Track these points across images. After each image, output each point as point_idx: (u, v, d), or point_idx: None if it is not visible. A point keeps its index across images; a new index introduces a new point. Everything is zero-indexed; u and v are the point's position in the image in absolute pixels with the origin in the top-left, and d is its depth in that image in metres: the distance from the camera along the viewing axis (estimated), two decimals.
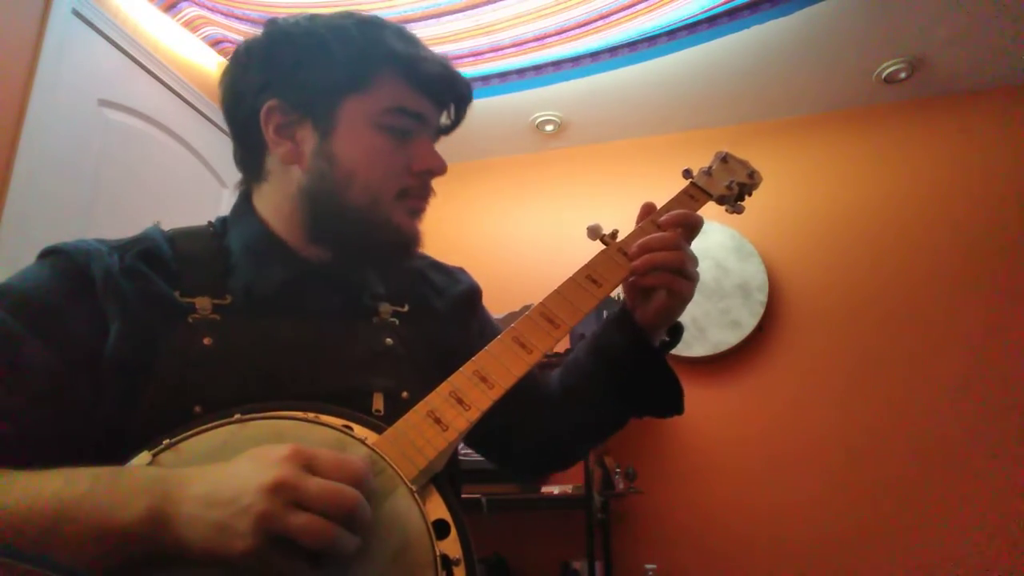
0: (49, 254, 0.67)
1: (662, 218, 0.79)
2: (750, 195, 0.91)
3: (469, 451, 2.54)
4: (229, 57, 0.78)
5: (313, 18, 0.74)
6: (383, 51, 0.72)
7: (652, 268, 0.74)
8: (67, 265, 0.65)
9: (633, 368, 0.78)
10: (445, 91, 0.76)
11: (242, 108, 0.73)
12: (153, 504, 0.48)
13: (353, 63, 0.71)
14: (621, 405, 0.82)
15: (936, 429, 2.29)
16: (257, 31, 0.75)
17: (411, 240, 0.75)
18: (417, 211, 0.76)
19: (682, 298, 0.75)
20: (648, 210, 0.82)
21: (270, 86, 0.71)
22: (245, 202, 0.76)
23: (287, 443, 0.50)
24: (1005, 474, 2.19)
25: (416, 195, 0.75)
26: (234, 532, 0.46)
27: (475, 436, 0.74)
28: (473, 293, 0.87)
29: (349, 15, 0.74)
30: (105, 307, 0.63)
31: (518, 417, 0.67)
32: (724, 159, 0.91)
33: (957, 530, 2.18)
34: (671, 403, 0.81)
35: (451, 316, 0.82)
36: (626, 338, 0.78)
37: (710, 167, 0.90)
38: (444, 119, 0.79)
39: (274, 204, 0.74)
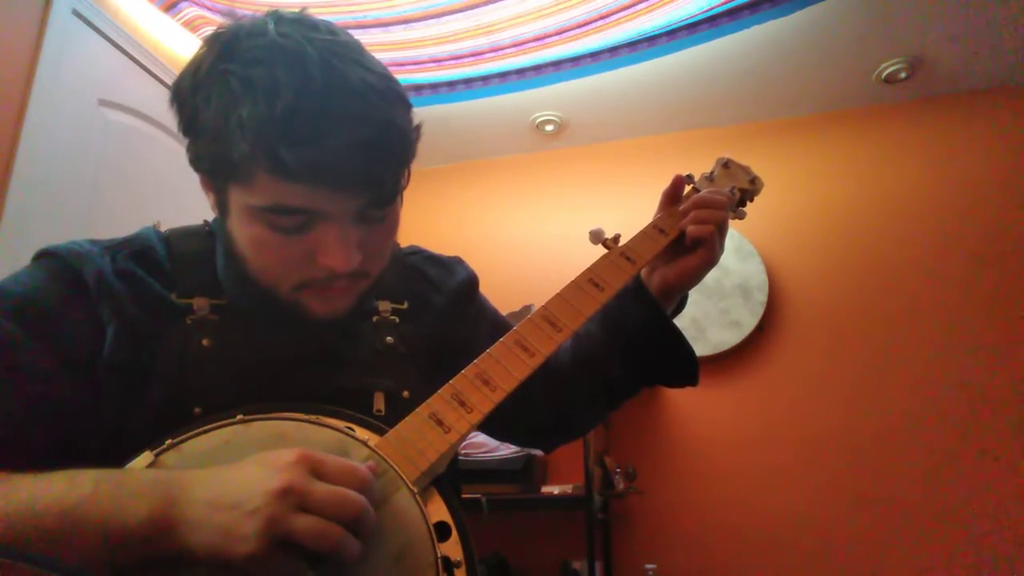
0: (42, 256, 0.66)
1: (691, 199, 0.81)
2: (751, 201, 0.92)
3: (468, 451, 2.51)
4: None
5: (230, 44, 0.58)
6: (250, 135, 0.55)
7: (704, 220, 0.77)
8: (61, 268, 0.64)
9: (648, 339, 0.79)
10: (341, 177, 0.57)
11: None
12: (156, 507, 0.48)
13: (222, 144, 0.57)
14: (634, 376, 0.82)
15: (937, 429, 2.29)
16: None
17: (325, 321, 0.64)
18: (331, 298, 0.64)
19: (712, 260, 0.78)
20: (679, 181, 0.85)
21: (185, 130, 0.63)
22: (223, 215, 0.66)
23: (292, 447, 0.50)
24: (1009, 476, 2.19)
25: (322, 286, 0.63)
26: (240, 535, 0.46)
27: None
28: (470, 284, 0.86)
29: (266, 51, 0.57)
30: (100, 309, 0.62)
31: (529, 390, 0.67)
32: (726, 164, 0.91)
33: (959, 531, 2.18)
34: (686, 374, 0.82)
35: (450, 311, 0.81)
36: (641, 309, 0.79)
37: (712, 172, 0.91)
38: (368, 196, 0.60)
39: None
